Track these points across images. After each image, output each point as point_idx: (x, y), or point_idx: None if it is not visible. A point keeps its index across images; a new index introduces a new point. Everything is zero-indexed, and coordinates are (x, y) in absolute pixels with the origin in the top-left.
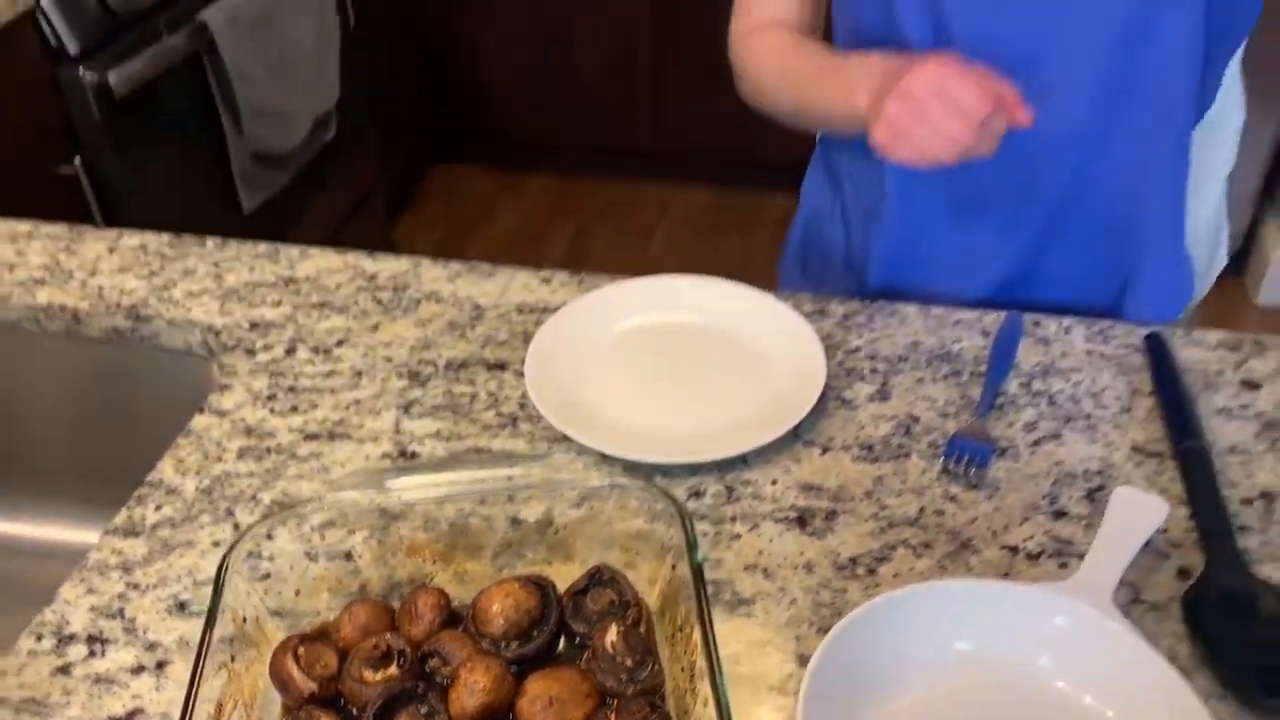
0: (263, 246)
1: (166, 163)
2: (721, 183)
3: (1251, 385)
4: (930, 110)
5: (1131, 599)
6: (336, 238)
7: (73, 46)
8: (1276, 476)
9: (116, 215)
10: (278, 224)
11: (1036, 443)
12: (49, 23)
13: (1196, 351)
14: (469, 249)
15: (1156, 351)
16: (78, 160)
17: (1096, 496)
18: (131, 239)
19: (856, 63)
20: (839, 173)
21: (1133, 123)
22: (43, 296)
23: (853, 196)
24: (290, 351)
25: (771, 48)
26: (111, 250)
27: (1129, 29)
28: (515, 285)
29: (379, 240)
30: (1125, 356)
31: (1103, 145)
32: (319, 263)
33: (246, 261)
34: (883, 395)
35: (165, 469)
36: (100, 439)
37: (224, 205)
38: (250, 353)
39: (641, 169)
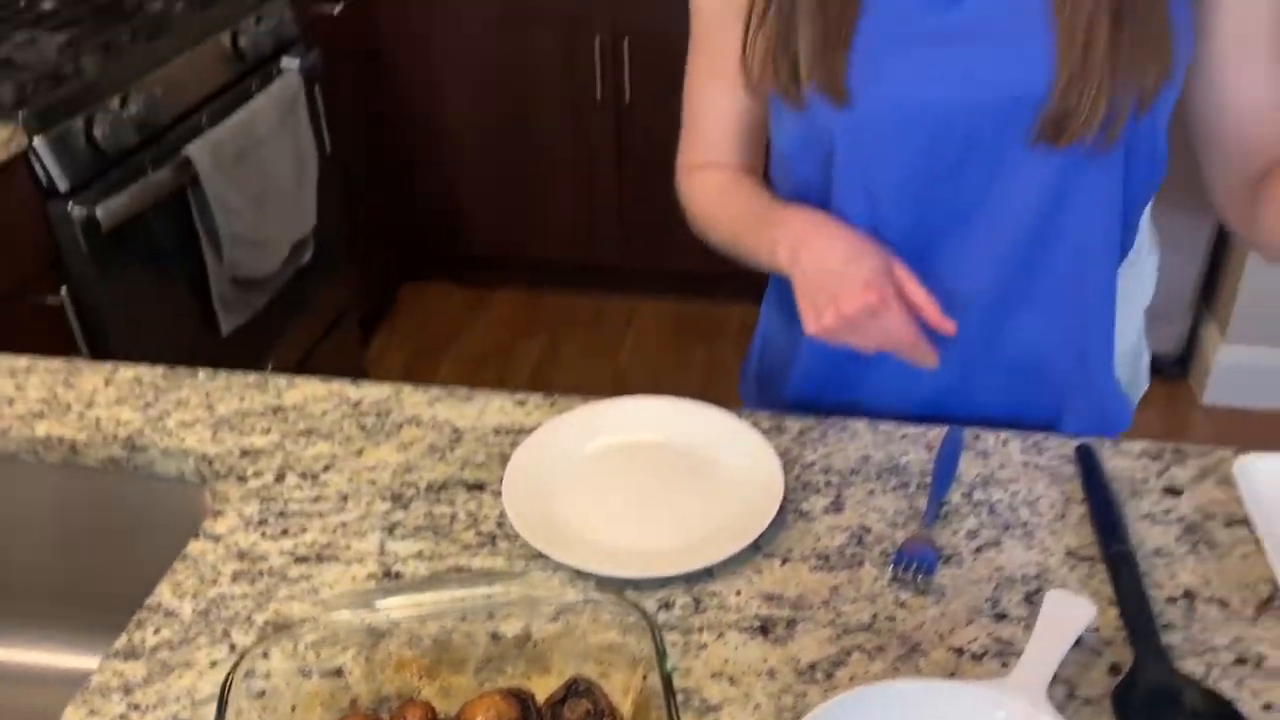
0: (252, 377)
1: (148, 290)
2: (686, 294)
3: (1173, 491)
4: (863, 329)
5: (1067, 694)
6: (311, 357)
7: (63, 184)
8: (1197, 577)
9: (99, 341)
10: (255, 345)
11: (979, 549)
12: (40, 162)
13: (1123, 461)
14: (441, 364)
15: (1086, 462)
16: (64, 291)
17: (1034, 599)
18: (127, 371)
19: (779, 218)
20: (787, 296)
21: (1055, 272)
22: (41, 429)
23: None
24: (279, 478)
25: (710, 187)
26: (108, 383)
27: (1052, 194)
28: (491, 408)
29: (353, 358)
30: (1058, 467)
31: (1026, 296)
32: (305, 391)
33: (237, 391)
34: (837, 507)
35: (163, 593)
36: (98, 566)
37: (202, 328)
38: (242, 479)
39: (608, 283)
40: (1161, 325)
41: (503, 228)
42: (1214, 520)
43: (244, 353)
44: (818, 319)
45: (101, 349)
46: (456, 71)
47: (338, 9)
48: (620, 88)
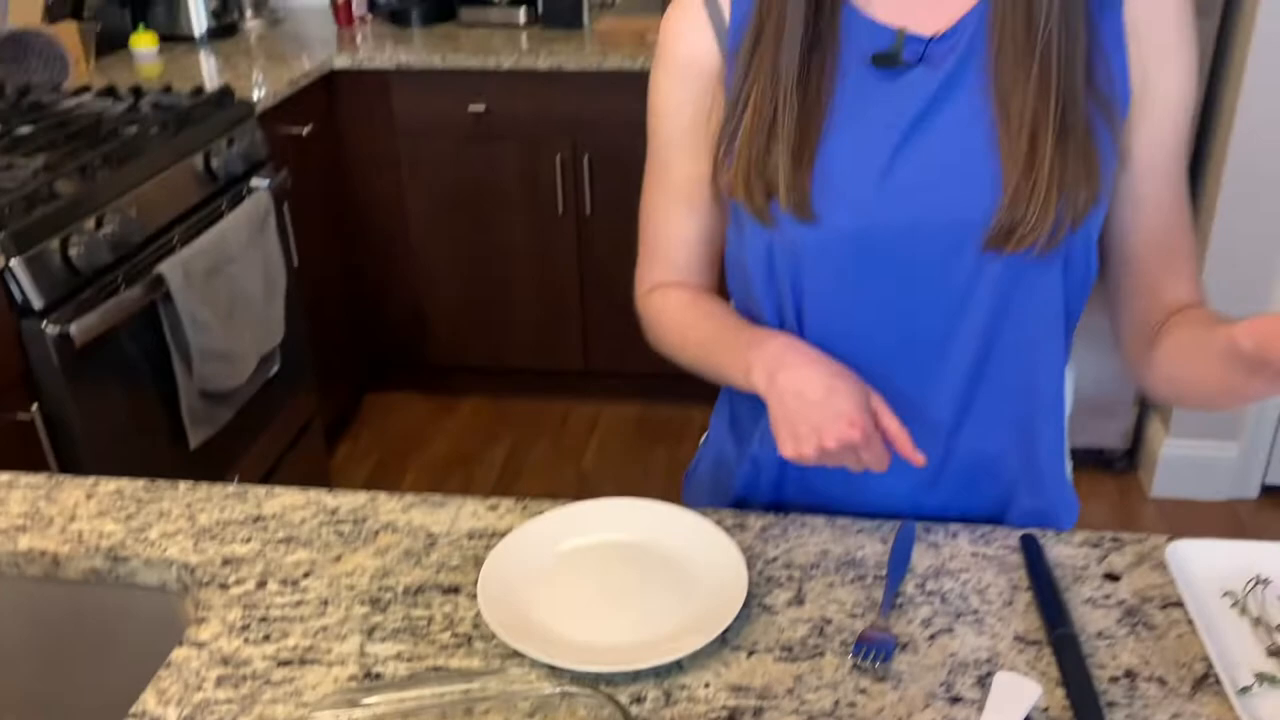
0: (232, 488)
1: (118, 405)
2: (648, 398)
3: (1112, 577)
4: (840, 458)
5: None
6: (278, 468)
7: (38, 302)
8: (1137, 657)
9: (69, 456)
10: (222, 457)
11: (933, 636)
12: (16, 282)
13: (1065, 549)
14: (407, 472)
15: (1030, 552)
16: (35, 407)
17: (985, 681)
18: (108, 485)
19: (753, 340)
20: (740, 414)
21: (1007, 381)
22: (23, 543)
23: (749, 431)
24: (261, 584)
25: (673, 307)
26: (89, 496)
27: (1000, 302)
28: (464, 513)
29: (319, 468)
30: (1005, 556)
31: (980, 405)
32: (284, 500)
33: (217, 502)
34: (799, 600)
35: (148, 700)
36: (80, 675)
37: (171, 442)
38: (224, 587)
39: (572, 389)
40: (1109, 422)
41: (467, 337)
42: (1151, 603)
43: (211, 465)
44: (796, 446)
45: (72, 464)
46: (422, 187)
47: (306, 130)
48: (580, 200)
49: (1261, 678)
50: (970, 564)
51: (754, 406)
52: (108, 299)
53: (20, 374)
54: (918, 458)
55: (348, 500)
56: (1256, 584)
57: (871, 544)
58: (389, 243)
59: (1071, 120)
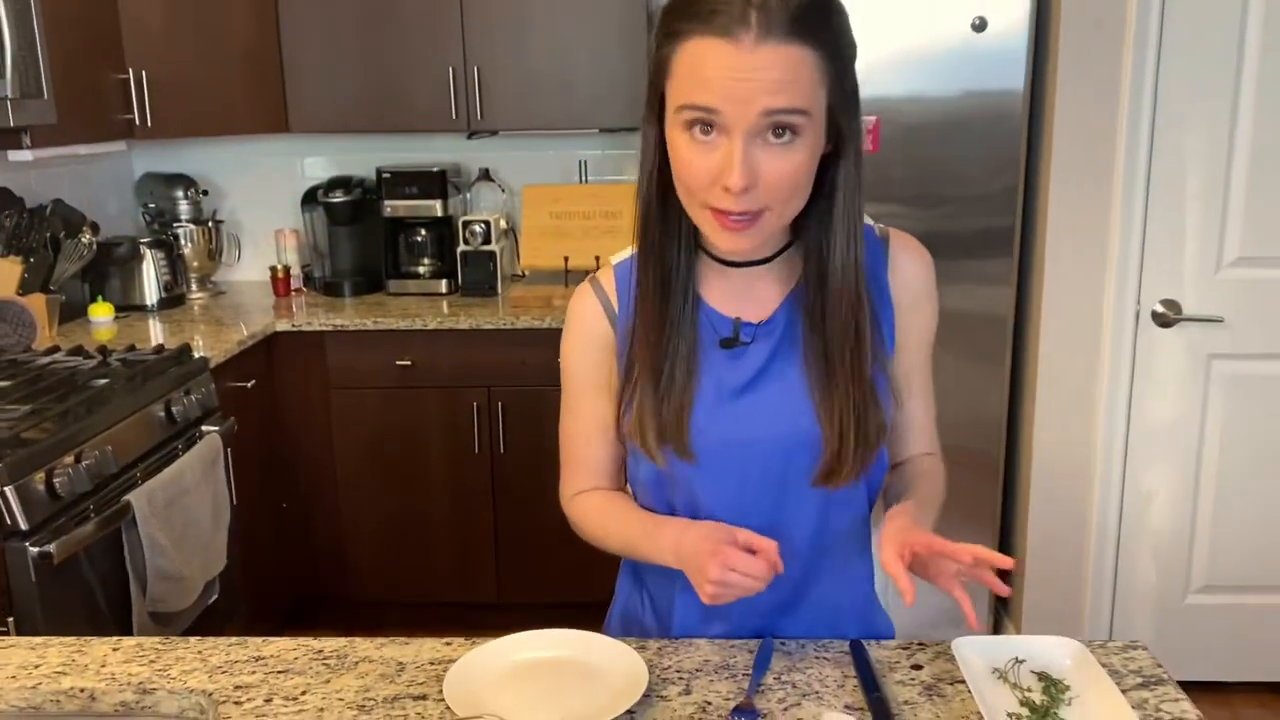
0: (233, 639)
1: (79, 620)
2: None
3: (917, 666)
4: (735, 582)
5: None
6: None
7: (24, 524)
8: (931, 714)
9: None
10: None
11: (786, 709)
12: (7, 506)
13: (883, 651)
14: None
15: (857, 651)
16: (11, 620)
17: None
18: (129, 641)
19: (660, 529)
20: (644, 577)
21: (834, 546)
22: (65, 683)
23: (653, 589)
24: (268, 700)
25: (593, 510)
26: (115, 649)
27: (823, 503)
28: (426, 648)
29: None
30: (839, 658)
31: (816, 566)
32: (278, 645)
33: (223, 649)
34: (687, 691)
35: None
36: None
37: None
38: (238, 704)
39: (485, 621)
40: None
41: (388, 572)
42: (943, 681)
43: None
44: (702, 593)
45: None
46: (350, 433)
47: (250, 384)
48: (495, 441)
49: (1011, 714)
50: (814, 663)
51: (652, 570)
52: (83, 523)
53: (1, 589)
54: (779, 565)
55: (330, 643)
56: (1015, 662)
57: (741, 655)
58: (318, 484)
59: (860, 371)
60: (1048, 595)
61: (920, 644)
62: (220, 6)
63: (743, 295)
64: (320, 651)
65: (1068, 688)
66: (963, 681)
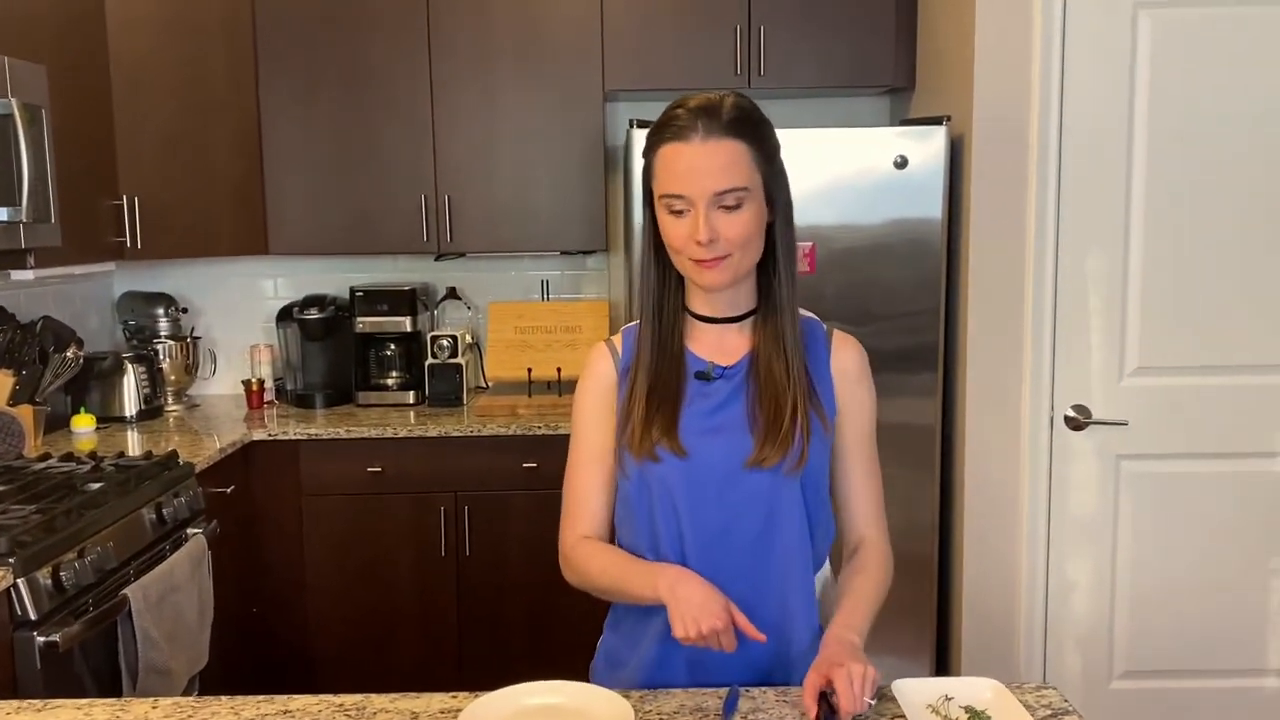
0: (261, 697)
1: None
2: None
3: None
4: (709, 640)
5: None
6: None
7: (33, 614)
8: None
9: None
10: None
11: None
12: (19, 597)
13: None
14: None
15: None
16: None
17: None
18: (165, 700)
19: (657, 569)
20: (620, 617)
21: (776, 567)
22: None
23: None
24: None
25: (592, 553)
26: (154, 708)
27: (766, 507)
28: (435, 702)
29: None
30: (797, 700)
31: (767, 599)
32: (301, 702)
33: (253, 705)
34: None
35: None
36: None
37: None
38: None
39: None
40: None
41: (354, 671)
42: (885, 716)
43: None
44: (684, 629)
45: None
46: (321, 536)
47: (230, 490)
48: (461, 544)
49: None
50: (775, 705)
51: (637, 618)
52: (84, 614)
53: (8, 678)
54: (760, 636)
55: (350, 698)
56: (945, 699)
57: (713, 700)
58: (288, 587)
59: (795, 403)
60: None
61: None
62: (209, 138)
63: (716, 346)
64: (341, 705)
65: (990, 717)
66: (903, 715)
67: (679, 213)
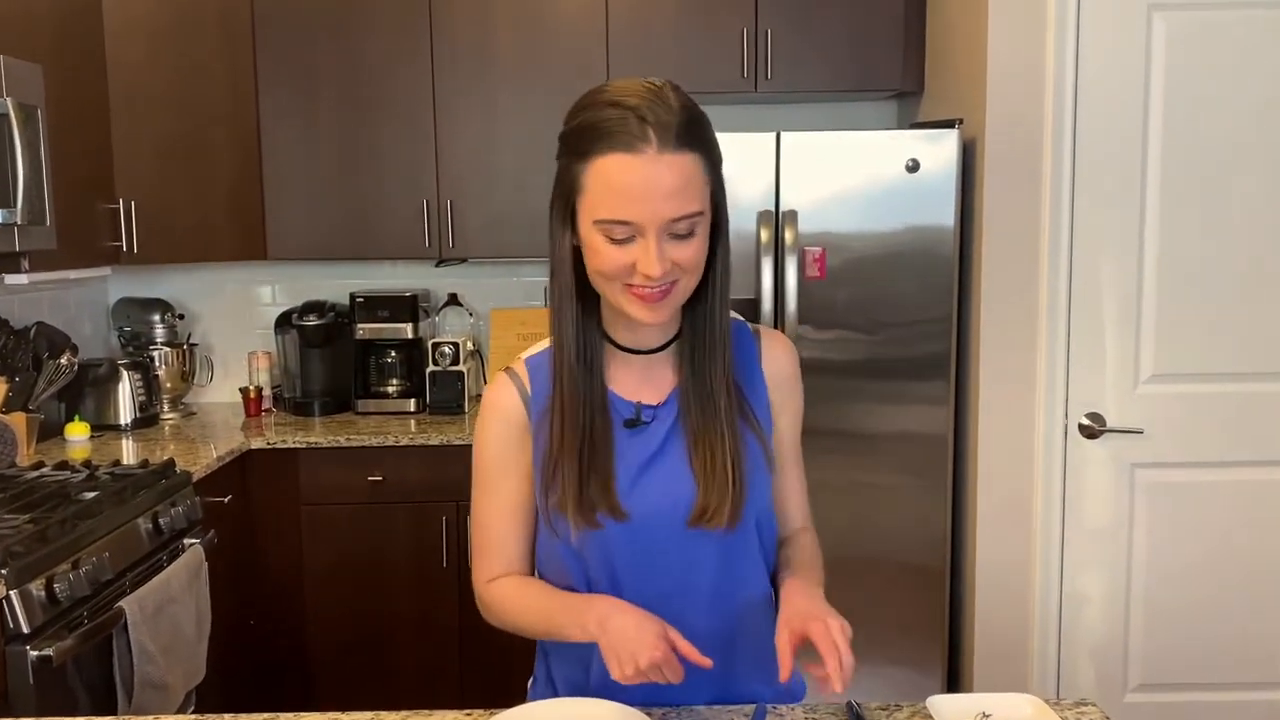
0: (269, 714)
1: None
2: None
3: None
4: (650, 675)
5: None
6: None
7: (26, 627)
8: None
9: None
10: None
11: None
12: (11, 610)
13: (878, 714)
14: None
15: (850, 708)
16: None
17: None
18: (162, 719)
19: (584, 603)
20: (547, 650)
21: (737, 614)
22: None
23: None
24: None
25: (510, 592)
26: None
27: (719, 560)
28: (447, 719)
29: None
30: (826, 716)
31: (727, 629)
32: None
33: None
34: None
35: None
36: None
37: None
38: None
39: None
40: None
41: (353, 684)
42: None
43: None
44: (621, 669)
45: None
46: (320, 546)
47: (227, 499)
48: (463, 556)
49: None
50: None
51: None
52: (78, 628)
53: (0, 693)
54: (706, 661)
55: (359, 715)
56: (983, 716)
57: (737, 718)
58: (287, 598)
59: (734, 443)
60: None
61: (898, 705)
62: (207, 141)
63: (642, 381)
64: None
65: None
66: None
67: (619, 239)
